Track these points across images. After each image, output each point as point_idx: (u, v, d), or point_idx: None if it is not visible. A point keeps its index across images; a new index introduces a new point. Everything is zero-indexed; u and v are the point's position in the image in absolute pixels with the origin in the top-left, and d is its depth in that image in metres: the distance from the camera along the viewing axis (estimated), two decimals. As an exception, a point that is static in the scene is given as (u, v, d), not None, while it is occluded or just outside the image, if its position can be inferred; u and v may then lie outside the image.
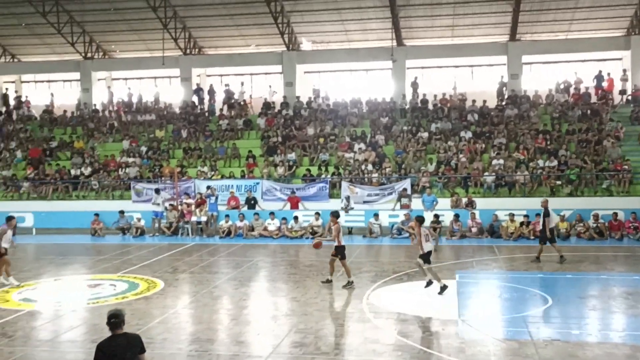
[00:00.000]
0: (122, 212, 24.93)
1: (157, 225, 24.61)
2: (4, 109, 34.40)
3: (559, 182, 24.82)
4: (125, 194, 27.13)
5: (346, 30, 32.09)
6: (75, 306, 13.41)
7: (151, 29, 32.45)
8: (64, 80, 36.45)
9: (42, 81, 36.86)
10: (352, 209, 24.42)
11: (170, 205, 24.83)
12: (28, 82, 36.89)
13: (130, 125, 32.20)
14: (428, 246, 14.08)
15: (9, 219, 15.51)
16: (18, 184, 28.08)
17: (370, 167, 26.68)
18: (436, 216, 22.81)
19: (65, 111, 33.75)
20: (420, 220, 14.43)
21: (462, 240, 22.18)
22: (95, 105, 34.14)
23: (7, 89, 35.86)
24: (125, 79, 35.72)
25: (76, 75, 34.93)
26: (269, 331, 11.35)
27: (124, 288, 15.02)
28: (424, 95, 31.46)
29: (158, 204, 24.94)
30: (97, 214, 25.01)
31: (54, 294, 14.65)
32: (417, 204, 24.23)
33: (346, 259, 15.11)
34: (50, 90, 36.36)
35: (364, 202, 25.02)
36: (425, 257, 14.03)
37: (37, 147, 30.57)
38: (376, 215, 23.43)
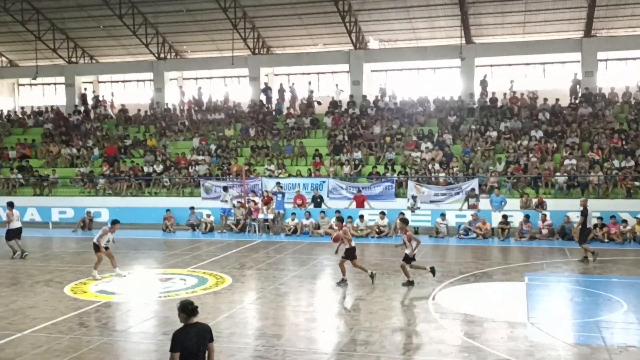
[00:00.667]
0: (192, 208, 25.56)
1: (225, 222, 25.12)
2: (82, 109, 35.83)
3: (637, 183, 23.86)
4: (195, 191, 27.80)
5: (414, 28, 31.83)
6: (148, 299, 13.87)
7: (221, 30, 33.12)
8: (138, 80, 37.66)
9: (118, 81, 38.19)
10: (418, 208, 24.23)
11: (238, 202, 25.29)
12: (105, 82, 38.30)
13: (201, 124, 32.97)
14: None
15: (114, 222, 16.18)
16: (95, 181, 29.20)
17: (437, 166, 26.40)
18: (504, 217, 22.39)
19: (138, 110, 34.87)
20: (405, 221, 15.46)
21: (532, 242, 21.66)
22: (167, 104, 35.12)
23: (85, 89, 37.34)
24: (196, 78, 36.58)
25: (149, 75, 36.02)
26: (334, 328, 11.42)
27: (194, 283, 15.41)
28: (493, 93, 30.85)
29: (226, 201, 25.45)
30: (168, 210, 25.73)
31: (128, 287, 15.18)
32: (485, 204, 23.83)
33: (357, 259, 15.31)
34: (125, 90, 37.66)
35: (431, 201, 24.78)
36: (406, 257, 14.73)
37: (113, 145, 31.70)
38: (443, 215, 23.17)
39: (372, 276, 14.99)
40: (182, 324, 6.63)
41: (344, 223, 16.03)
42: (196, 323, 6.65)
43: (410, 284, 14.62)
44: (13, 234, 19.55)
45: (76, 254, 20.45)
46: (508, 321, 11.57)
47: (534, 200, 23.53)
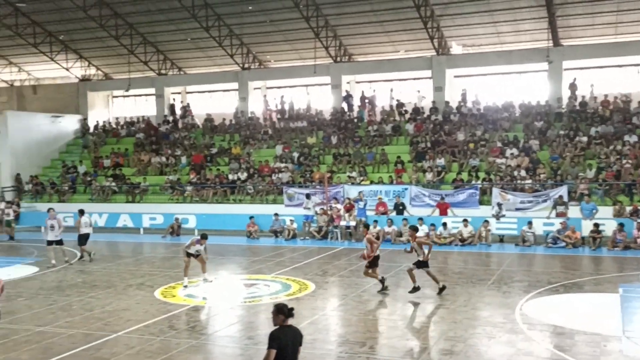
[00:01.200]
0: (276, 215, 25.98)
1: (307, 228, 25.37)
2: (171, 118, 37.18)
3: None
4: (278, 198, 28.24)
5: (498, 32, 31.15)
6: (233, 304, 14.20)
7: (303, 39, 33.57)
8: (224, 90, 38.70)
9: (204, 91, 39.39)
10: (503, 216, 23.64)
11: (321, 209, 25.49)
12: (192, 92, 39.60)
13: (283, 132, 33.49)
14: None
15: (203, 237, 16.43)
16: (182, 188, 30.20)
17: (523, 173, 25.68)
18: (596, 225, 21.50)
19: (223, 119, 35.81)
20: (414, 228, 15.54)
21: (626, 252, 20.67)
22: (251, 113, 35.91)
23: (174, 99, 38.73)
24: (279, 87, 37.21)
25: (234, 85, 36.94)
26: (418, 337, 11.31)
27: (277, 288, 15.66)
28: (583, 97, 29.71)
29: (309, 208, 25.71)
30: (252, 217, 26.26)
31: (214, 292, 15.61)
32: (574, 212, 22.96)
33: (377, 267, 15.22)
34: (211, 100, 38.79)
35: (516, 209, 24.11)
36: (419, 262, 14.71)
37: (199, 153, 32.69)
38: (530, 223, 22.49)
39: (382, 281, 14.97)
40: (276, 326, 6.78)
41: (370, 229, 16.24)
42: (290, 325, 6.82)
43: (416, 290, 14.43)
44: (82, 240, 20.63)
45: (165, 259, 21.21)
46: (601, 334, 11.10)
47: (628, 208, 22.47)
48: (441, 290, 14.56)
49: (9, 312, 13.63)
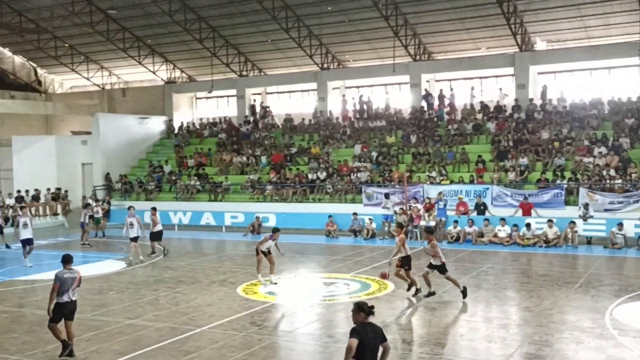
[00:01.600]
0: (355, 214, 26.02)
1: (387, 228, 25.28)
2: (251, 119, 37.91)
3: None
4: (357, 197, 28.27)
5: (586, 26, 29.99)
6: (312, 302, 14.34)
7: (382, 38, 33.47)
8: (303, 91, 39.11)
9: (284, 92, 39.94)
10: (591, 217, 22.75)
11: (400, 209, 25.34)
12: (272, 93, 40.24)
13: (362, 132, 33.49)
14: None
15: (275, 231, 16.57)
16: (263, 187, 30.74)
17: (612, 172, 24.62)
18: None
19: (303, 119, 36.19)
20: (429, 231, 15.37)
21: None
22: (330, 113, 36.11)
23: (254, 100, 39.48)
24: (358, 87, 37.25)
25: (313, 85, 37.26)
26: (501, 340, 11.07)
27: (357, 288, 15.69)
28: (679, 92, 28.19)
29: (388, 208, 25.60)
30: (331, 216, 26.41)
31: (294, 290, 15.81)
32: (669, 213, 21.83)
33: (411, 270, 14.74)
34: (290, 100, 39.30)
35: (605, 210, 23.13)
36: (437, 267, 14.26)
37: (279, 153, 33.18)
38: (620, 225, 21.52)
39: (410, 287, 14.55)
40: (356, 324, 6.86)
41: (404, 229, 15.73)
42: (370, 323, 6.87)
43: (431, 294, 14.18)
44: (155, 236, 21.49)
45: (247, 256, 21.61)
46: (698, 342, 10.53)
47: None
48: (415, 291, 14.43)
49: (102, 304, 14.33)
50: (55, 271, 10.90)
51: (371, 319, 6.92)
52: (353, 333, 6.68)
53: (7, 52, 42.82)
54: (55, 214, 32.46)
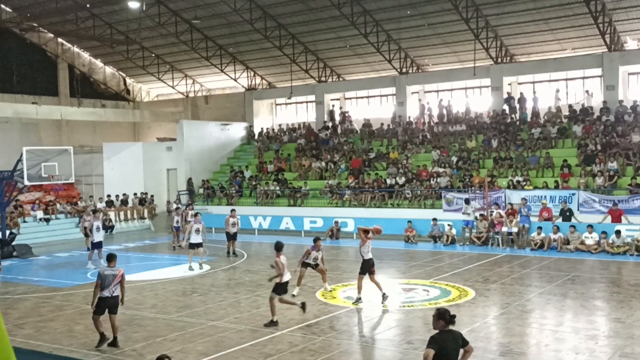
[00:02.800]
0: (434, 219, 25.69)
1: (467, 234, 24.83)
2: (330, 124, 38.15)
3: None
4: (436, 203, 27.90)
5: (680, 23, 28.51)
6: (391, 307, 14.26)
7: (462, 41, 32.94)
8: (381, 96, 39.01)
9: (362, 97, 39.97)
10: (687, 224, 21.55)
11: (481, 215, 24.82)
12: (350, 98, 40.36)
13: (441, 136, 33.06)
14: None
15: (316, 240, 16.53)
16: (342, 192, 30.85)
17: None
18: None
19: (381, 124, 36.08)
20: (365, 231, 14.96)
21: None
22: (408, 117, 35.85)
23: (333, 105, 39.72)
24: (437, 91, 36.81)
25: (392, 90, 37.09)
26: (588, 352, 10.65)
27: (436, 294, 15.49)
28: None
29: (468, 214, 25.13)
30: (410, 222, 26.18)
31: (372, 295, 15.75)
32: None
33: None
34: (369, 105, 39.30)
35: None
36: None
37: (358, 158, 33.21)
38: None
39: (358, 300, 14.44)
40: (436, 331, 6.80)
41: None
42: (450, 330, 6.79)
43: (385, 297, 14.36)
44: (231, 236, 22.93)
45: (325, 261, 21.62)
46: None
47: None
48: (383, 297, 14.27)
49: (186, 306, 14.78)
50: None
51: (451, 327, 6.83)
52: (431, 342, 6.61)
53: (99, 63, 44.95)
54: (142, 218, 33.72)
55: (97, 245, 21.22)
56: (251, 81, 41.91)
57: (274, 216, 30.51)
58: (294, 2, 33.05)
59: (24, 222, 28.60)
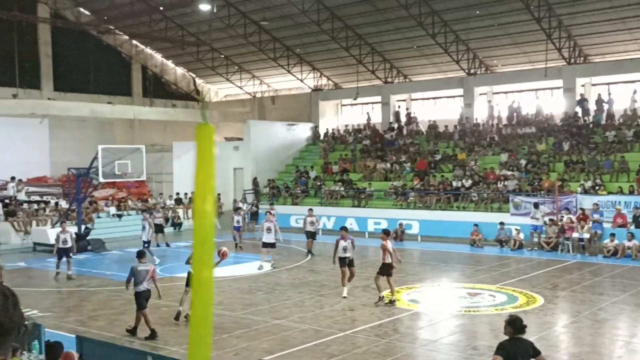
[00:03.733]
0: (502, 223, 25.20)
1: (535, 239, 24.22)
2: (396, 125, 37.95)
3: None
4: (503, 206, 27.34)
5: None
6: (455, 312, 14.08)
7: (533, 41, 32.14)
8: (448, 97, 38.53)
9: (428, 98, 39.59)
10: None
11: (550, 220, 24.17)
12: (416, 99, 40.04)
13: (510, 138, 32.36)
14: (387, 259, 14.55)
15: (342, 229, 16.41)
16: (407, 194, 30.65)
17: None
18: None
19: (446, 126, 35.64)
20: (386, 232, 15.38)
21: None
22: (476, 119, 35.26)
23: (399, 106, 39.50)
24: (506, 92, 36.06)
25: (459, 91, 36.59)
26: (664, 365, 10.25)
27: (503, 300, 15.19)
28: None
29: (537, 218, 24.53)
30: (476, 225, 25.76)
31: (436, 298, 15.62)
32: None
33: (389, 277, 14.57)
34: (435, 107, 38.89)
35: None
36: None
37: (423, 160, 32.91)
38: None
39: (379, 299, 14.55)
40: (506, 337, 6.70)
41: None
42: (520, 338, 6.68)
43: (380, 299, 14.58)
44: (310, 235, 23.46)
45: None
46: None
47: None
48: (380, 299, 14.49)
49: (251, 304, 15.03)
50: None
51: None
52: (499, 349, 6.52)
53: (170, 64, 46.21)
54: (209, 216, 34.34)
55: (147, 243, 21.96)
56: (317, 82, 42.15)
57: (338, 217, 30.55)
58: (362, 3, 33.04)
59: (98, 217, 29.68)
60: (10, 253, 23.36)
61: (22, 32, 36.11)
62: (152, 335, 11.95)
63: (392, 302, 14.43)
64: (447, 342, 11.86)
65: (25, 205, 28.22)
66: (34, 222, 26.60)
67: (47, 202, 29.76)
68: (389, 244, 14.78)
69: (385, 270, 14.59)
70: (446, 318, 13.66)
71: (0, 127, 33.42)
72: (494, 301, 15.14)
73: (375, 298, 14.76)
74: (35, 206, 28.43)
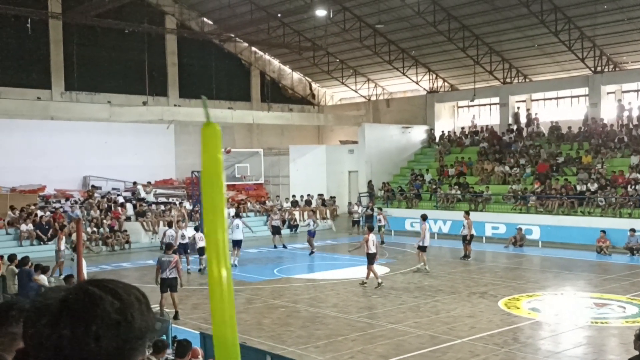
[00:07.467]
0: (632, 230, 23.66)
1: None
2: (515, 127, 36.68)
3: None
4: (634, 212, 25.66)
5: None
6: (580, 323, 13.39)
7: (668, 35, 30.02)
8: (572, 97, 36.73)
9: (550, 98, 37.93)
10: None
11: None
12: (537, 100, 38.49)
13: (641, 140, 30.36)
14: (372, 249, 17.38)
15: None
16: (526, 198, 29.52)
17: None
18: None
19: (569, 127, 33.98)
20: (370, 228, 18.67)
21: None
22: (603, 119, 33.38)
23: (518, 107, 38.15)
24: (637, 90, 33.85)
25: (583, 90, 34.79)
26: None
27: (634, 312, 14.27)
28: None
29: (673, 225, 22.83)
30: (603, 231, 24.35)
31: (559, 308, 14.92)
32: None
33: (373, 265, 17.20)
34: (557, 107, 37.18)
35: None
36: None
37: (545, 163, 31.57)
38: None
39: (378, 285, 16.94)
40: (637, 352, 6.32)
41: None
42: None
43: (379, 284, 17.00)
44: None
45: (508, 269, 20.98)
46: None
47: None
48: (379, 285, 16.94)
49: (366, 307, 15.07)
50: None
51: None
52: None
53: (287, 69, 47.30)
54: (324, 218, 34.87)
55: (238, 244, 22.28)
56: (433, 84, 41.57)
57: (454, 220, 29.90)
58: (479, 3, 32.23)
59: (219, 218, 30.84)
60: (139, 251, 24.86)
61: (151, 43, 38.32)
62: (176, 316, 13.75)
63: (363, 283, 17.40)
64: (572, 354, 11.30)
65: (153, 206, 29.91)
66: (160, 222, 28.12)
67: (172, 204, 31.38)
68: (371, 237, 17.64)
69: (371, 259, 17.31)
70: (570, 329, 13.02)
71: (131, 133, 35.66)
72: (624, 313, 14.25)
73: (391, 295, 14.33)
74: (162, 207, 30.06)
